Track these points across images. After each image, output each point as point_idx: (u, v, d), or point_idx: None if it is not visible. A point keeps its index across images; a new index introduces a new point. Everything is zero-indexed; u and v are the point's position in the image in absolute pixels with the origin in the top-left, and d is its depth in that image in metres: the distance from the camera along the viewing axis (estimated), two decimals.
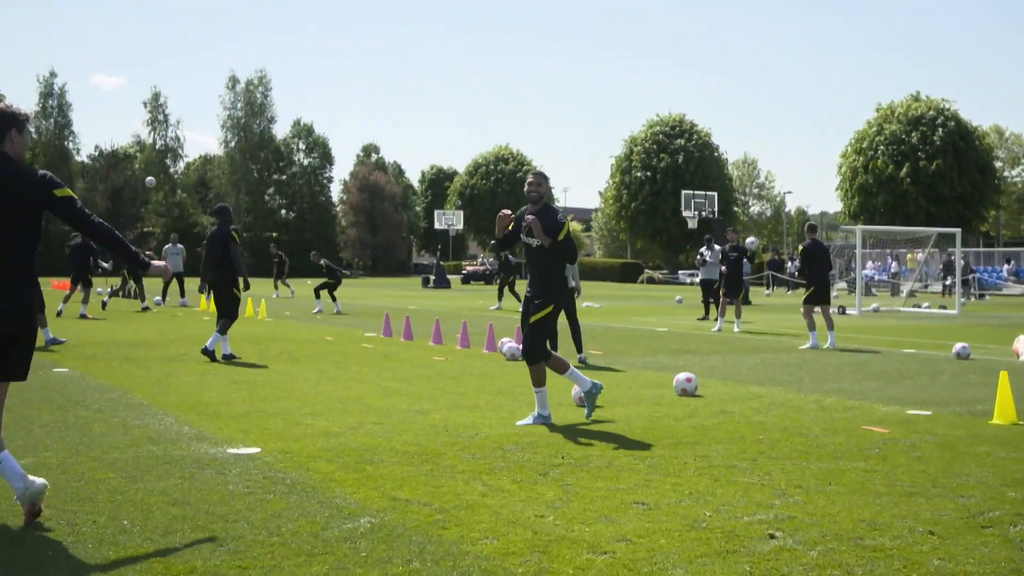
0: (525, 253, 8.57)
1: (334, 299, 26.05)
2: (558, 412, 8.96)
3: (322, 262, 26.78)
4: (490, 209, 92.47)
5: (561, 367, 8.54)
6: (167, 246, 29.61)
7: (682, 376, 10.40)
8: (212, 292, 13.73)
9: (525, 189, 8.47)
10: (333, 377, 11.68)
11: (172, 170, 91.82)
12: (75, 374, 11.66)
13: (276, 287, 38.51)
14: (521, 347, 8.67)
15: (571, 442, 7.56)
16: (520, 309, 8.73)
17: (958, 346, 14.50)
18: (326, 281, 26.12)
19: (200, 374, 11.85)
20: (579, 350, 13.84)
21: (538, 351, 8.35)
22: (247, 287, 13.89)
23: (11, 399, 9.42)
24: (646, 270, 78.28)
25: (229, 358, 13.29)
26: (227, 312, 13.52)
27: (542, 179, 8.51)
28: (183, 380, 11.22)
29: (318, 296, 26.30)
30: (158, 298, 29.80)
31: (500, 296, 30.01)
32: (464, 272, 67.37)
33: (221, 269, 13.53)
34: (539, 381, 8.38)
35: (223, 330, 13.39)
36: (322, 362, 13.39)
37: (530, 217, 8.36)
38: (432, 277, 55.33)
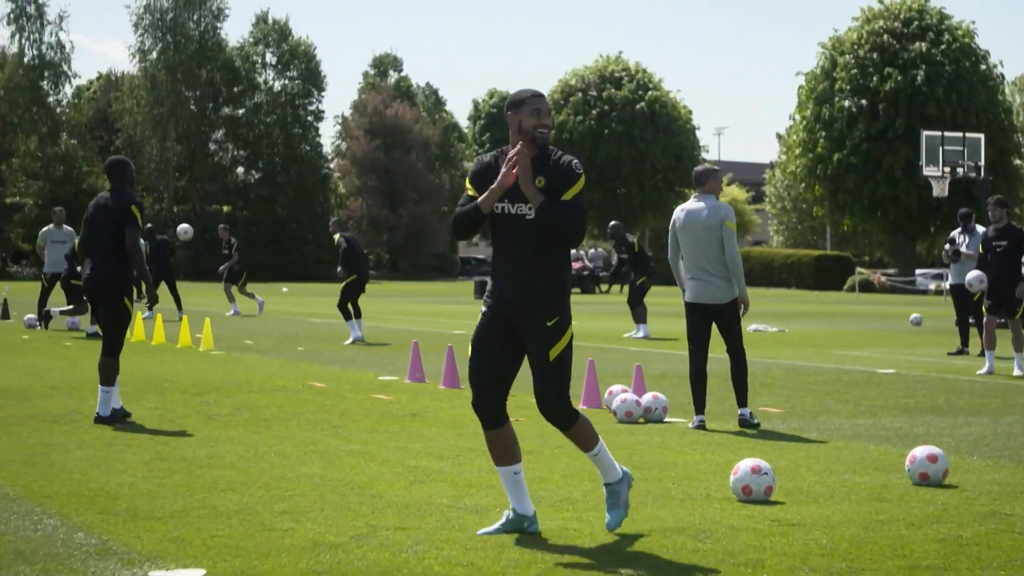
0: (499, 235, 8.39)
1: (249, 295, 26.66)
2: (687, 496, 8.94)
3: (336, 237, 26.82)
4: (589, 165, 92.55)
5: (590, 439, 8.51)
6: (46, 229, 30.11)
7: (922, 452, 10.32)
8: (89, 301, 13.99)
9: (531, 123, 8.27)
10: (325, 451, 11.77)
11: (52, 100, 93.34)
12: None
13: (231, 297, 39.01)
14: (538, 400, 8.44)
15: (727, 557, 7.54)
16: (535, 334, 8.34)
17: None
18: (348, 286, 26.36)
19: (103, 445, 12.00)
20: (742, 403, 13.98)
21: (570, 403, 8.43)
22: (150, 299, 14.06)
23: None
24: (858, 269, 77.77)
25: (117, 417, 13.55)
26: (110, 335, 13.78)
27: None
28: (75, 456, 11.36)
29: (350, 314, 26.33)
30: (31, 316, 30.24)
31: (637, 314, 29.71)
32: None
33: (106, 264, 13.70)
34: (589, 442, 8.51)
35: (106, 374, 13.67)
36: (308, 426, 13.49)
37: (517, 152, 8.20)
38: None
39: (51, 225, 29.95)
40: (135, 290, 14.02)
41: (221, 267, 39.28)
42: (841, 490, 10.01)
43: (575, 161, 8.32)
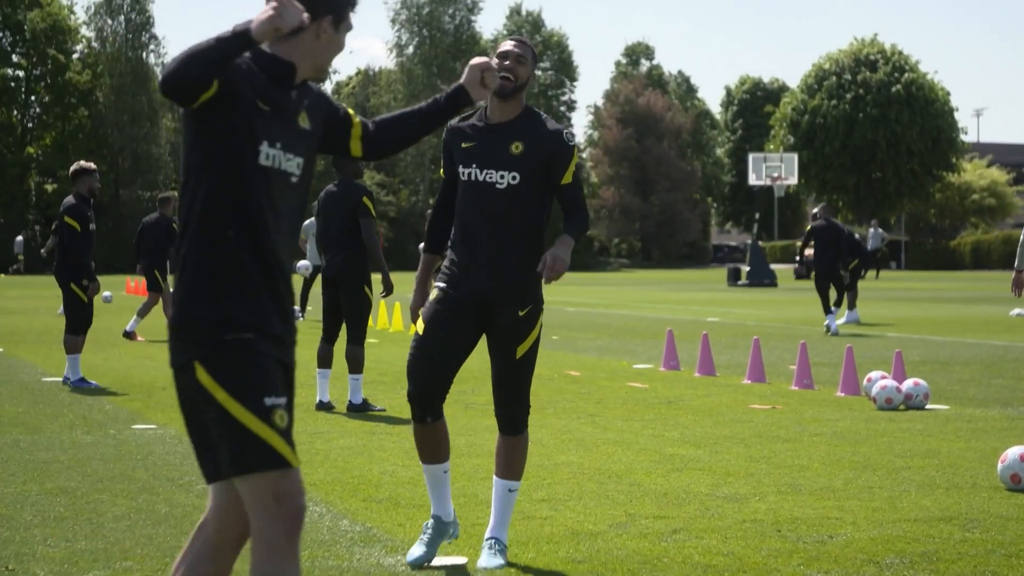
0: (466, 205, 7.37)
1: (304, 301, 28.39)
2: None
3: None
4: (843, 149, 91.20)
5: (520, 465, 7.69)
6: (308, 222, 30.76)
7: None
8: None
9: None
10: (582, 439, 11.82)
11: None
12: (166, 433, 12.27)
13: None
14: (497, 400, 7.72)
15: (997, 548, 7.33)
16: (503, 325, 7.53)
17: None
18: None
19: (364, 434, 12.23)
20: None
21: (528, 408, 7.79)
22: (387, 288, 14.30)
23: (66, 477, 10.01)
24: None
25: (367, 406, 14.03)
26: (355, 325, 14.13)
27: (527, 55, 7.33)
28: (338, 444, 11.61)
29: None
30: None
31: (848, 300, 28.94)
32: (800, 260, 67.01)
33: (344, 254, 14.03)
34: (517, 469, 7.65)
35: (354, 363, 14.12)
36: (564, 414, 13.56)
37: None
38: (745, 268, 55.15)
39: (312, 218, 30.51)
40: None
41: None
42: None
43: (567, 131, 7.36)
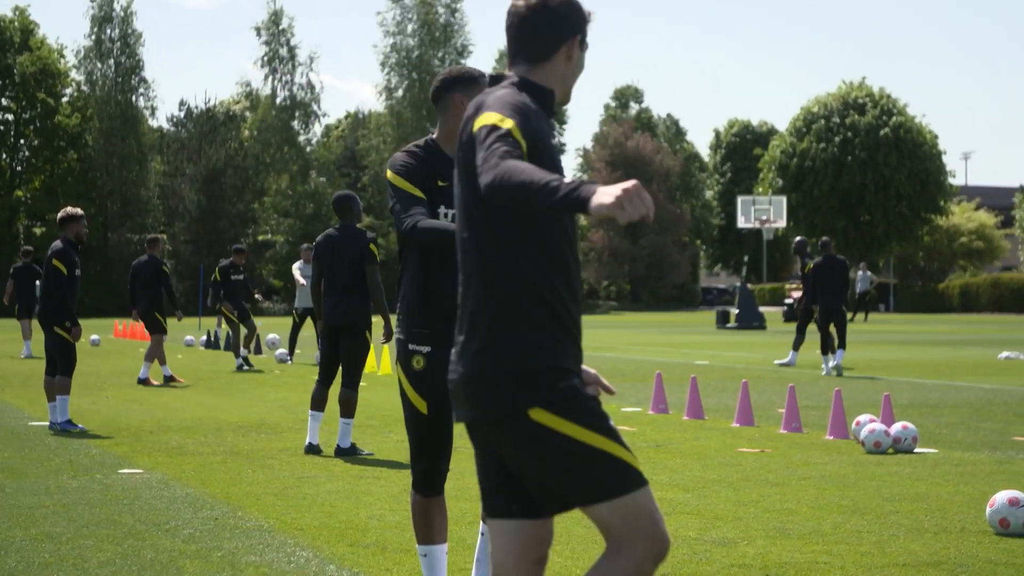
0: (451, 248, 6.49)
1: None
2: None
3: None
4: (832, 192, 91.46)
5: (446, 525, 7.22)
6: (297, 264, 30.77)
7: None
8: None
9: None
10: None
11: (302, 139, 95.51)
12: (152, 478, 12.23)
13: None
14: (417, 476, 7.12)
15: None
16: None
17: None
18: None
19: (352, 478, 12.19)
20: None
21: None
22: (387, 335, 14.32)
23: (51, 522, 9.96)
24: None
25: (354, 451, 13.98)
26: (351, 369, 14.18)
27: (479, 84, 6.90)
28: (325, 489, 11.57)
29: None
30: (282, 351, 30.98)
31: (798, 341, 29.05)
32: (790, 300, 66.89)
33: (349, 300, 14.01)
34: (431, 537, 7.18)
35: (347, 407, 14.08)
36: None
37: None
38: (734, 310, 55.17)
39: (301, 262, 30.57)
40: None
41: None
42: None
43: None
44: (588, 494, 4.62)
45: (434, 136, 6.96)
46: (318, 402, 14.24)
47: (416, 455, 6.99)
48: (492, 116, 4.64)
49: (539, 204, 4.32)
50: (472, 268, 4.75)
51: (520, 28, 4.91)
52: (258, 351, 33.47)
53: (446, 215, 6.70)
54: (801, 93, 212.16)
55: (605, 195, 4.22)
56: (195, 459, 13.54)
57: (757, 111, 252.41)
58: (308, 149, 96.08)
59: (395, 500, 10.84)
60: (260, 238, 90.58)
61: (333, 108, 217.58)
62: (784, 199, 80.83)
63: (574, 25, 4.89)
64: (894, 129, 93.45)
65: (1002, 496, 9.28)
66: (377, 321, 14.04)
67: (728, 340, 43.39)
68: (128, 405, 19.48)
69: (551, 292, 4.71)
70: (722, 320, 55.21)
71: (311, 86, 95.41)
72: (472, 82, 6.78)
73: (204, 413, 18.25)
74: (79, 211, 16.30)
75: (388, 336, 13.88)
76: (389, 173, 6.82)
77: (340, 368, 14.20)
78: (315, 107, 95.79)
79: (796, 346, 28.38)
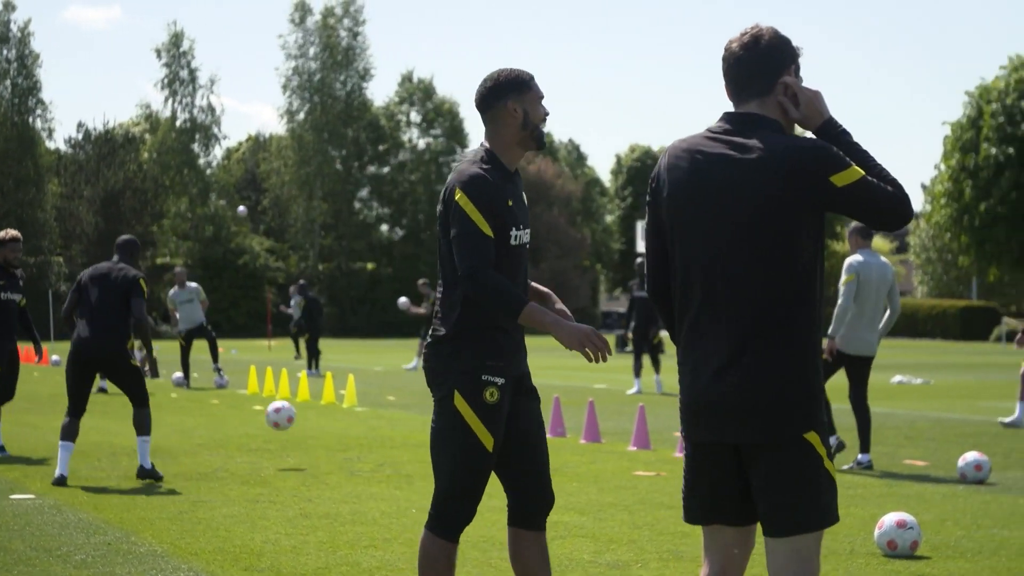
0: (508, 268, 6.32)
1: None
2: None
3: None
4: None
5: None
6: (173, 291, 30.81)
7: None
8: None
9: (541, 114, 6.43)
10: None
11: (202, 161, 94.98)
12: (44, 503, 12.13)
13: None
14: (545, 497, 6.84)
15: None
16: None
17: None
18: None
19: (247, 502, 12.16)
20: (864, 448, 14.43)
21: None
22: (152, 369, 14.35)
23: None
24: (1005, 319, 76.57)
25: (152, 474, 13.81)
26: (139, 392, 14.07)
27: None
28: (220, 513, 11.53)
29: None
30: (178, 374, 30.80)
31: (636, 369, 29.76)
32: (626, 329, 67.51)
33: (114, 334, 13.87)
34: None
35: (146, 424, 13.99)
36: None
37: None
38: (630, 335, 55.32)
39: (176, 287, 30.76)
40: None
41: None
42: (989, 545, 9.86)
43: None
44: (814, 518, 5.09)
45: (487, 147, 6.38)
46: (69, 432, 13.71)
47: (459, 494, 6.46)
48: None
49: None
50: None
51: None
52: (155, 374, 33.13)
53: (518, 237, 6.28)
54: (700, 118, 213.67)
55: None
56: (88, 484, 13.44)
57: (658, 136, 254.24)
58: (208, 172, 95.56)
59: (291, 524, 10.83)
60: (159, 261, 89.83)
61: (234, 131, 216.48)
62: None
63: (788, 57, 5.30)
64: None
65: (890, 518, 9.43)
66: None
67: (627, 364, 43.53)
68: (21, 429, 19.27)
69: None
70: (621, 344, 55.35)
71: (212, 108, 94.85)
72: (525, 87, 6.37)
73: (99, 438, 18.10)
74: (6, 234, 16.04)
75: (152, 372, 14.10)
76: (461, 195, 6.09)
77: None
78: (215, 129, 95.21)
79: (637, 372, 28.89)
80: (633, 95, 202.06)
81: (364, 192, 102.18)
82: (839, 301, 14.40)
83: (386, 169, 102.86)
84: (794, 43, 5.27)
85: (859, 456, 14.53)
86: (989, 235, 79.39)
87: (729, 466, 5.12)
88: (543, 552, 6.60)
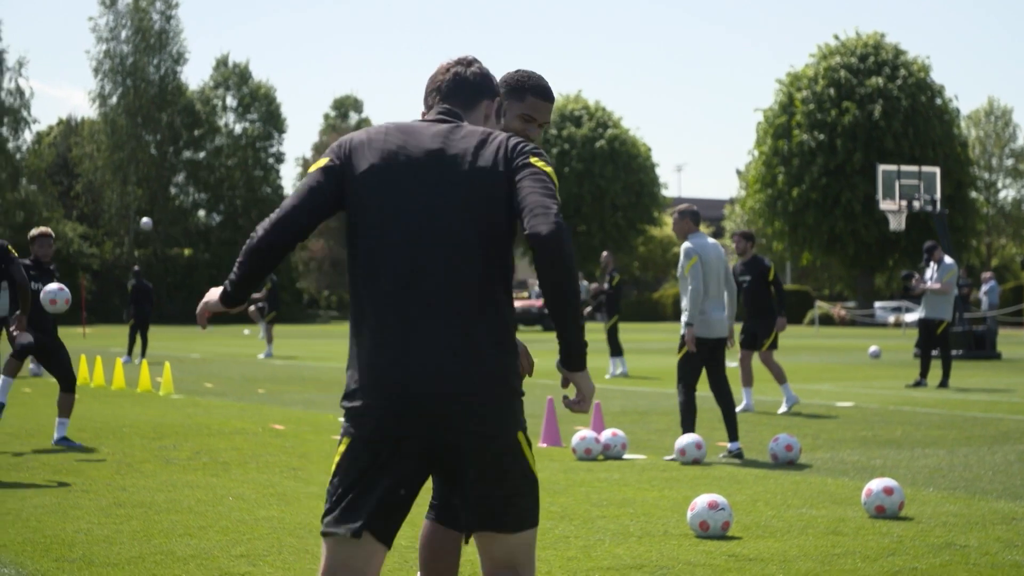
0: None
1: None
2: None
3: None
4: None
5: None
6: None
7: (878, 485, 10.38)
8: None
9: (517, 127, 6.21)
10: (284, 494, 11.77)
11: (12, 146, 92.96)
12: None
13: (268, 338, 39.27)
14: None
15: None
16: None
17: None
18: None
19: (60, 491, 11.95)
20: (733, 436, 14.37)
21: None
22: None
23: None
24: (818, 303, 78.09)
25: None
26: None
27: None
28: (31, 503, 11.31)
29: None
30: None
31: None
32: None
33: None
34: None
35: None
36: (267, 469, 13.45)
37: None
38: None
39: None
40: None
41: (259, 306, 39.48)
42: (798, 524, 10.05)
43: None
44: (527, 519, 5.28)
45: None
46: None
47: None
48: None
49: None
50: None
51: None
52: None
53: None
54: None
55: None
56: None
57: None
58: (18, 156, 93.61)
59: (104, 513, 10.67)
60: None
61: (44, 115, 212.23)
62: None
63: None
64: (610, 141, 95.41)
65: (702, 500, 9.59)
66: None
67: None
68: None
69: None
70: None
71: (20, 91, 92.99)
72: (522, 91, 6.21)
73: None
74: (38, 231, 15.86)
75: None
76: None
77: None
78: (25, 113, 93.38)
79: None
80: None
81: (180, 177, 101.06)
82: (690, 286, 14.01)
83: (202, 154, 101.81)
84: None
85: (729, 445, 14.25)
86: (801, 220, 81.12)
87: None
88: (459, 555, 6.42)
